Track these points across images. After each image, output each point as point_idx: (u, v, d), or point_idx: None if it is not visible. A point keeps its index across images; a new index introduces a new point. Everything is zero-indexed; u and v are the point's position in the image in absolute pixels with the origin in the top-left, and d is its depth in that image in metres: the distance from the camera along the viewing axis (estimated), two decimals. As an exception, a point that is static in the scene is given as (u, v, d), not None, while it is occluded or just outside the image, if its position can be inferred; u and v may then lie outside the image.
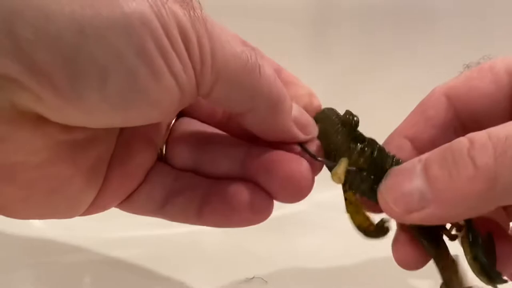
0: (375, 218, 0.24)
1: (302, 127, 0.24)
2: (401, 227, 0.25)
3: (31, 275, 0.33)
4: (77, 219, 0.37)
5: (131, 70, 0.17)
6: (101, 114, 0.18)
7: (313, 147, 0.24)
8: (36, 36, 0.16)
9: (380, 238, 0.24)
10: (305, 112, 0.24)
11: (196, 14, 0.19)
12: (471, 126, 0.24)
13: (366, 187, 0.23)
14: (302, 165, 0.23)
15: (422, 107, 0.26)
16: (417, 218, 0.21)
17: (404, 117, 0.27)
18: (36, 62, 0.16)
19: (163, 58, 0.18)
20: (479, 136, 0.20)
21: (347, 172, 0.23)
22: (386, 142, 0.26)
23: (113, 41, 0.17)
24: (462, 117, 0.25)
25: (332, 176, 0.23)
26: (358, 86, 0.49)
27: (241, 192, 0.23)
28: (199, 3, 0.20)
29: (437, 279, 0.25)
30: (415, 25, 0.50)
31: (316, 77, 0.45)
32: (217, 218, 0.24)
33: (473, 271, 0.23)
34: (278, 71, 0.25)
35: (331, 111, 0.26)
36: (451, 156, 0.20)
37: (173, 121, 0.26)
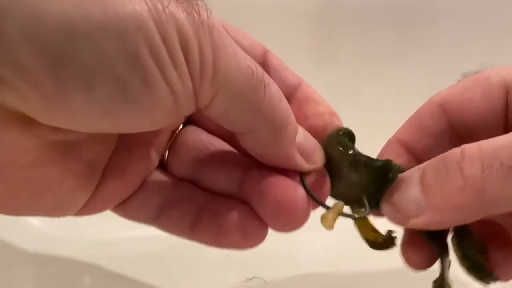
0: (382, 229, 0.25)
1: (306, 155, 0.22)
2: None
3: (31, 275, 0.33)
4: (77, 219, 0.37)
5: (120, 78, 0.16)
6: (88, 120, 0.17)
7: (317, 177, 0.23)
8: (24, 36, 0.15)
9: (389, 249, 0.25)
10: (311, 138, 0.23)
11: (201, 19, 0.18)
12: (466, 135, 0.24)
13: (374, 203, 0.23)
14: (297, 193, 0.21)
15: (417, 115, 0.26)
16: (415, 224, 0.21)
17: (406, 118, 0.27)
18: (23, 63, 0.16)
19: (157, 67, 0.17)
20: (469, 148, 0.20)
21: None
22: (383, 149, 0.26)
23: (102, 46, 0.16)
24: (456, 127, 0.25)
25: (321, 221, 0.22)
26: (359, 86, 0.49)
27: (232, 214, 0.22)
28: (207, 6, 0.18)
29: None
30: (417, 26, 0.50)
31: (318, 77, 0.45)
32: (208, 237, 0.22)
33: (463, 268, 0.23)
34: (298, 85, 0.24)
35: (340, 139, 0.24)
36: (444, 166, 0.20)
37: (180, 128, 0.25)
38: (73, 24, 0.16)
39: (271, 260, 0.35)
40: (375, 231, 0.25)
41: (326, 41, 0.50)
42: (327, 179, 0.23)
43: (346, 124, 0.25)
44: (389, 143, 0.26)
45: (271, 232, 0.40)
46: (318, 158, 0.23)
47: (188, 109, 0.19)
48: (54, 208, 0.22)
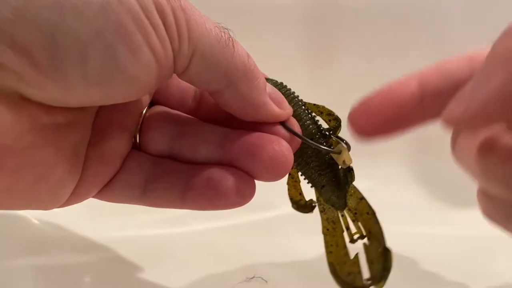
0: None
1: (278, 101, 0.24)
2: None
3: (31, 274, 0.33)
4: (77, 219, 0.37)
5: (110, 47, 0.18)
6: (81, 91, 0.19)
7: (292, 125, 0.25)
8: (16, 16, 0.17)
9: (305, 213, 0.29)
10: (277, 90, 0.25)
11: None
12: None
13: (312, 173, 0.26)
14: (283, 145, 0.23)
15: (442, 61, 0.25)
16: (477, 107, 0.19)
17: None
18: (17, 41, 0.17)
19: (141, 33, 0.19)
20: None
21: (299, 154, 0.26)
22: (397, 80, 0.25)
23: (91, 18, 0.18)
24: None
25: (344, 161, 0.25)
26: (358, 86, 0.49)
27: (227, 178, 0.23)
28: None
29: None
30: (417, 26, 0.50)
31: (317, 77, 0.45)
32: (202, 203, 0.24)
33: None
34: None
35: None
36: None
37: (145, 109, 0.26)
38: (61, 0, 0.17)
39: (271, 260, 0.35)
40: (301, 194, 0.29)
41: (324, 42, 0.49)
42: (296, 123, 0.25)
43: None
44: (405, 76, 0.25)
45: (271, 232, 0.39)
46: (287, 104, 0.25)
47: (168, 73, 0.21)
48: (48, 197, 0.22)
